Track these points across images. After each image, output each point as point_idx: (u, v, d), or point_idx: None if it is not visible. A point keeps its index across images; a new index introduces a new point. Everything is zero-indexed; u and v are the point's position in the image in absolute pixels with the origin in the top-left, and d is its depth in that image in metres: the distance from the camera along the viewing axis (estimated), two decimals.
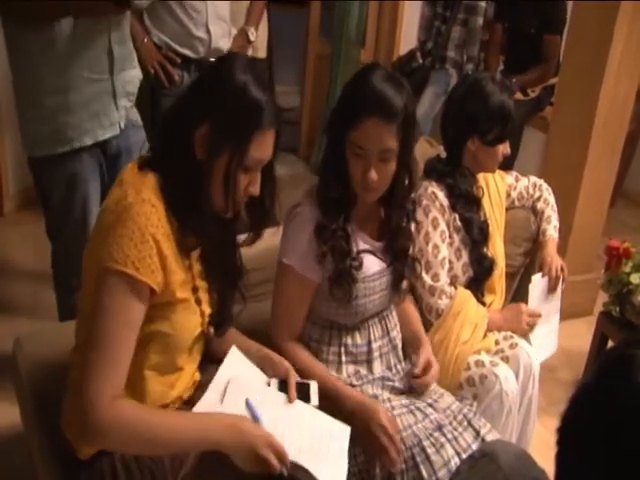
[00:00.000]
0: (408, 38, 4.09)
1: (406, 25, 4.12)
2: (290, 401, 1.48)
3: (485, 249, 2.09)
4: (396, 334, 1.82)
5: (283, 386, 1.51)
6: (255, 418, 1.37)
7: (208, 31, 2.61)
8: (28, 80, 1.96)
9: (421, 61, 3.82)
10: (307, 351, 1.72)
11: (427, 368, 1.74)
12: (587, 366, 2.81)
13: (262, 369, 1.55)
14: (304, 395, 1.52)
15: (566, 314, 3.18)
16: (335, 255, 1.62)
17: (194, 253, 1.41)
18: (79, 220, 2.10)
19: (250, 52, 2.97)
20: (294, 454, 1.34)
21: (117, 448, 1.34)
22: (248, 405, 1.40)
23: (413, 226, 1.99)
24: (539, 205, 2.37)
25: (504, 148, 2.07)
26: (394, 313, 1.83)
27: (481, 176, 2.16)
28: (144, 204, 1.27)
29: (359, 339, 1.74)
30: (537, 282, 2.16)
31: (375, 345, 1.76)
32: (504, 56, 4.09)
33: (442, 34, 3.85)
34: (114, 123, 2.08)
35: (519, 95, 3.74)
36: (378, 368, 1.76)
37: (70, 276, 2.14)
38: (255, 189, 1.39)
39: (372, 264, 1.69)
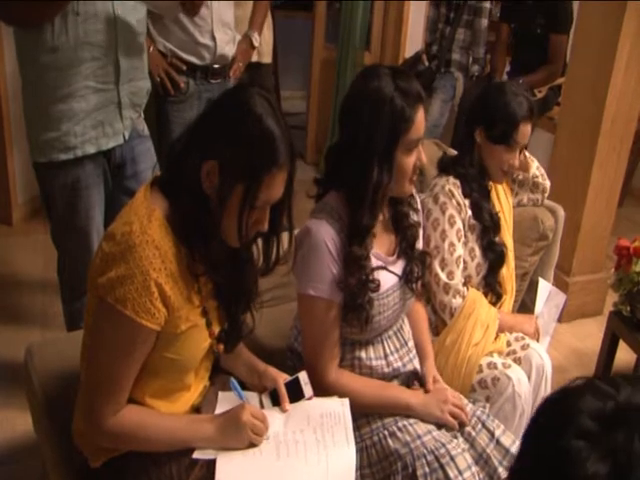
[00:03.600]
0: (413, 41, 4.09)
1: (411, 28, 4.12)
2: (284, 410, 1.50)
3: (495, 238, 2.08)
4: (412, 344, 1.80)
5: (275, 396, 1.53)
6: (240, 397, 1.49)
7: (213, 38, 2.60)
8: (34, 86, 1.97)
9: (427, 64, 3.80)
10: (354, 374, 1.68)
11: (435, 382, 1.75)
12: (598, 366, 2.78)
13: (252, 382, 1.58)
14: (297, 391, 1.54)
15: (576, 314, 3.18)
16: (357, 287, 1.58)
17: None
18: (83, 228, 2.09)
19: (255, 57, 2.97)
20: (302, 463, 1.38)
21: (122, 449, 1.41)
22: (232, 386, 1.50)
23: (430, 222, 2.00)
24: None
25: (510, 157, 2.05)
26: (407, 321, 1.82)
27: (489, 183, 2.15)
28: (147, 246, 1.25)
29: (373, 353, 1.70)
30: (544, 286, 2.14)
31: (392, 358, 1.73)
32: (510, 57, 4.08)
33: (447, 36, 3.84)
34: (118, 133, 2.07)
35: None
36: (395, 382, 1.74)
37: (75, 283, 2.14)
38: (263, 227, 1.37)
39: (386, 280, 1.66)
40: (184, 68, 2.62)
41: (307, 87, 4.39)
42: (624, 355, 2.77)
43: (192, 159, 1.29)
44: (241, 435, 1.40)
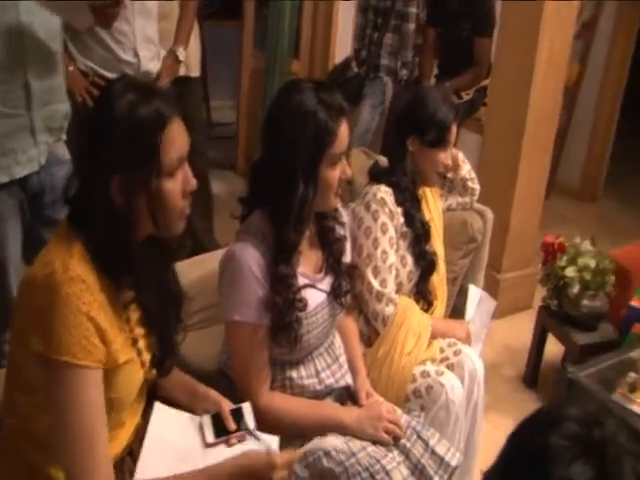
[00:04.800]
0: (343, 48, 4.01)
1: (340, 34, 4.04)
2: (230, 429, 1.44)
3: (427, 246, 2.05)
4: (344, 359, 1.75)
5: (217, 419, 1.46)
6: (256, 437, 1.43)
7: (136, 54, 2.47)
8: None
9: (356, 70, 3.74)
10: (287, 395, 1.61)
11: (368, 397, 1.69)
12: (529, 360, 2.79)
13: (193, 406, 1.49)
14: (238, 421, 1.47)
15: (508, 310, 3.19)
16: (285, 305, 1.51)
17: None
18: None
19: (182, 71, 2.85)
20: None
21: None
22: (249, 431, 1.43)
23: (362, 230, 1.95)
24: None
25: (445, 158, 2.03)
26: (337, 336, 1.76)
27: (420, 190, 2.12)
28: (73, 282, 1.16)
29: (304, 371, 1.64)
30: (474, 292, 2.11)
31: (324, 375, 1.66)
32: (438, 60, 4.06)
33: (375, 42, 3.77)
34: (32, 160, 1.90)
35: (453, 98, 3.71)
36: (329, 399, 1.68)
37: None
38: (191, 182, 1.28)
39: (313, 298, 1.60)
40: None
41: (237, 97, 4.27)
42: (553, 348, 2.79)
43: (95, 181, 1.20)
44: None
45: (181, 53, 2.69)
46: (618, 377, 2.14)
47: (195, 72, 3.02)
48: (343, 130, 1.52)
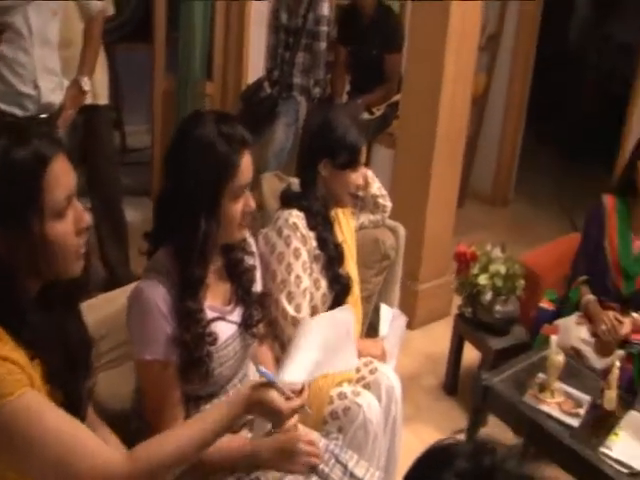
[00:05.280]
0: (256, 68, 3.99)
1: (253, 55, 4.02)
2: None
3: (341, 269, 2.05)
4: None
5: None
6: (271, 381, 1.35)
7: (37, 86, 2.37)
8: None
9: (269, 90, 3.73)
10: None
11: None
12: (448, 368, 2.84)
13: None
14: None
15: (426, 319, 3.24)
16: (194, 341, 1.47)
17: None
18: None
19: (90, 100, 2.77)
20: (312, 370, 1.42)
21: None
22: (262, 373, 1.37)
23: (274, 256, 1.92)
24: None
25: (356, 178, 2.03)
26: (251, 366, 1.73)
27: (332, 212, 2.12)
28: None
29: None
30: (386, 310, 2.12)
31: None
32: (350, 77, 4.09)
33: (287, 61, 3.78)
34: None
35: (365, 114, 3.76)
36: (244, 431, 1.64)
37: None
38: (85, 220, 1.21)
39: (223, 331, 1.56)
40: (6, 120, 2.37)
41: (150, 121, 4.19)
42: (472, 354, 2.84)
43: None
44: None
45: (86, 83, 2.61)
46: (529, 379, 2.20)
47: (103, 100, 2.93)
48: (245, 162, 1.49)
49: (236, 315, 1.62)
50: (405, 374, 2.80)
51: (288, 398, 1.34)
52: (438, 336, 3.09)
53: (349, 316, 1.61)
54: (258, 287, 1.71)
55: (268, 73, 3.86)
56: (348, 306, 1.65)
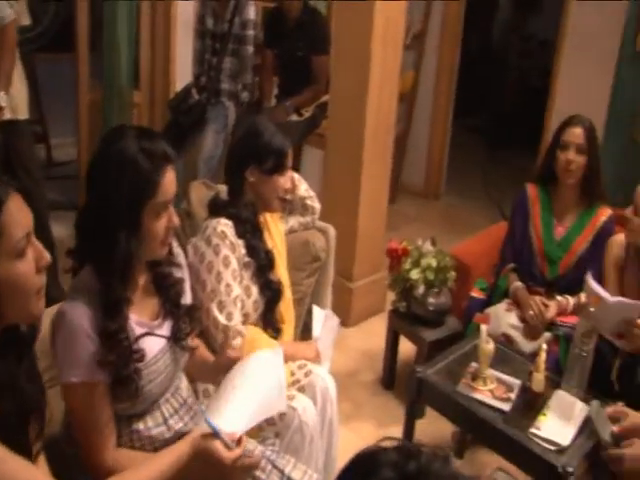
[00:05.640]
0: (184, 74, 3.93)
1: (180, 61, 3.95)
2: None
3: (272, 275, 2.04)
4: (192, 400, 1.69)
5: None
6: (216, 432, 1.41)
7: None
8: None
9: (197, 97, 3.68)
10: (134, 452, 1.54)
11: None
12: (385, 363, 2.86)
13: None
14: None
15: (362, 316, 3.26)
16: (119, 361, 1.44)
17: None
18: None
19: (8, 115, 2.67)
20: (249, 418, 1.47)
21: None
22: (209, 424, 1.42)
23: (204, 265, 1.90)
24: None
25: (284, 182, 2.03)
26: (184, 378, 1.70)
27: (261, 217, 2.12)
28: None
29: (151, 421, 1.57)
30: (318, 312, 2.13)
31: (172, 421, 1.60)
32: (278, 80, 4.08)
33: (214, 67, 3.75)
34: None
35: (294, 116, 3.75)
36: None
37: None
38: (45, 257, 1.18)
39: (152, 346, 1.54)
40: None
41: (77, 133, 4.06)
42: (408, 347, 2.88)
43: None
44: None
45: (2, 98, 2.51)
46: (462, 368, 2.24)
47: (23, 114, 2.83)
48: (168, 179, 1.47)
49: (165, 329, 1.59)
50: (342, 372, 2.84)
51: (229, 448, 1.39)
52: (374, 332, 3.12)
53: (279, 359, 1.62)
54: (187, 299, 1.69)
55: (195, 79, 3.82)
56: (279, 349, 1.65)
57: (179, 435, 1.61)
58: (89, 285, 1.46)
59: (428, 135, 4.88)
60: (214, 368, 1.72)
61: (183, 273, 1.70)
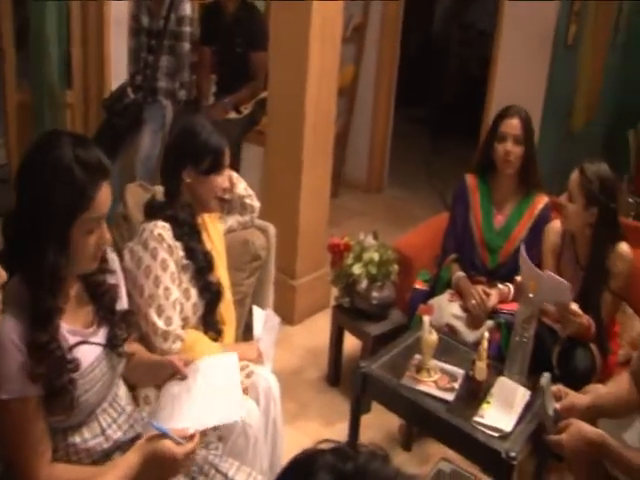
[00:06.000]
0: (120, 73, 3.81)
1: (115, 60, 3.84)
2: None
3: (211, 277, 2.01)
4: (132, 408, 1.64)
5: None
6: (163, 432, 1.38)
7: None
8: None
9: (133, 96, 3.58)
10: (70, 466, 1.48)
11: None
12: (330, 359, 2.86)
13: None
14: None
15: (306, 313, 3.25)
16: (52, 372, 1.38)
17: None
18: None
19: None
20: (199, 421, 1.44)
21: None
22: (155, 427, 1.39)
23: (142, 270, 1.85)
24: None
25: (222, 181, 1.99)
26: (122, 386, 1.65)
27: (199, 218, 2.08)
28: None
29: (88, 433, 1.52)
30: (259, 312, 2.10)
31: (110, 431, 1.55)
32: (216, 77, 4.01)
33: (150, 65, 3.66)
34: None
35: (233, 114, 3.70)
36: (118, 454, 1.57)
37: None
38: (2, 274, 1.18)
39: (87, 355, 1.48)
40: None
41: (5, 135, 3.89)
42: (351, 344, 2.88)
43: None
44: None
45: None
46: (406, 361, 2.25)
47: None
48: (103, 194, 1.40)
49: (100, 336, 1.54)
50: (287, 370, 2.83)
51: (179, 444, 1.36)
52: (318, 329, 3.11)
53: (235, 365, 1.60)
54: (123, 304, 1.64)
55: (131, 78, 3.72)
56: (234, 354, 1.63)
57: (118, 445, 1.56)
58: (18, 295, 1.39)
59: (370, 128, 4.89)
60: (157, 370, 1.67)
61: (117, 279, 1.65)
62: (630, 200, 4.63)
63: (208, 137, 1.97)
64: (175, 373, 1.60)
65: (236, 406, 1.50)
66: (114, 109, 3.51)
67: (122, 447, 1.58)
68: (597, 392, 1.96)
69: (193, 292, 1.97)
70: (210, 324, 2.00)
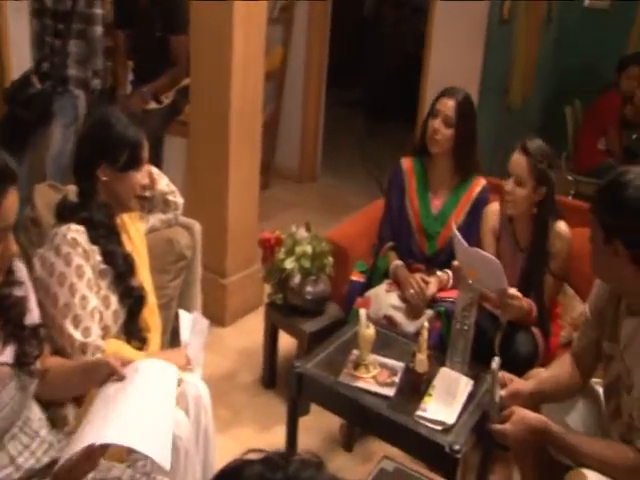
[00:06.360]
0: (22, 59, 3.66)
1: (16, 45, 3.67)
2: None
3: (132, 281, 1.98)
4: (46, 432, 1.61)
5: None
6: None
7: None
8: None
9: (39, 85, 3.46)
10: None
11: None
12: (264, 360, 2.85)
13: None
14: None
15: (239, 313, 3.25)
16: None
17: None
18: None
19: None
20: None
21: None
22: None
23: (55, 277, 1.81)
24: None
25: (141, 178, 1.97)
26: (34, 408, 1.61)
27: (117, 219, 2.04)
28: None
29: None
30: (185, 316, 2.09)
31: (22, 459, 1.52)
32: (133, 64, 3.92)
33: (58, 51, 3.52)
34: None
35: (153, 104, 3.63)
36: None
37: None
38: None
39: None
40: None
41: None
42: (287, 343, 2.89)
43: None
44: None
45: None
46: (344, 357, 2.26)
47: None
48: (9, 201, 1.36)
49: (7, 355, 1.50)
50: (219, 375, 2.83)
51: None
52: (252, 329, 3.11)
53: (173, 380, 1.56)
54: (34, 317, 1.61)
55: (37, 65, 3.56)
56: (174, 367, 1.59)
57: (30, 474, 1.53)
58: None
59: (301, 114, 4.90)
60: (91, 372, 1.59)
61: (26, 290, 1.61)
62: (569, 178, 4.81)
63: (124, 130, 1.93)
64: (112, 374, 1.56)
65: (161, 448, 1.39)
66: (17, 100, 3.38)
67: (37, 476, 1.55)
68: (539, 377, 2.04)
69: (113, 299, 1.94)
70: (133, 332, 1.97)
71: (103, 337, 1.89)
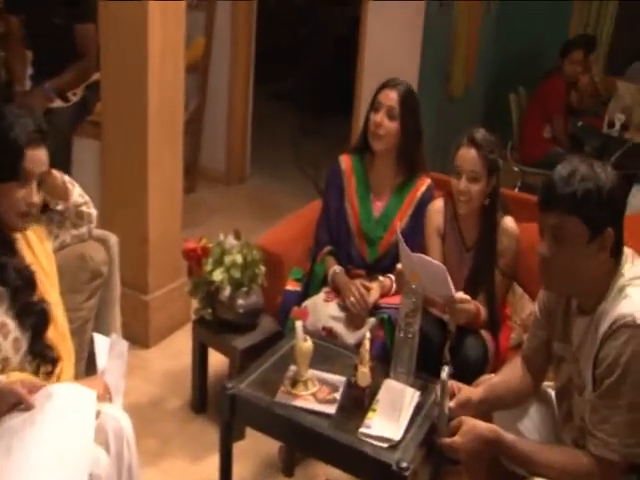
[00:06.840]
0: None
1: None
2: None
3: (31, 297, 1.90)
4: None
5: None
6: None
7: None
8: None
9: None
10: None
11: None
12: (193, 382, 2.82)
13: None
14: None
15: (164, 332, 3.20)
16: None
17: None
18: None
19: None
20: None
21: None
22: None
23: None
24: None
25: (27, 193, 1.85)
26: None
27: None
28: None
29: None
30: (101, 340, 2.04)
31: None
32: (32, 56, 3.79)
33: None
34: None
35: (58, 102, 3.53)
36: None
37: None
38: None
39: None
40: None
41: None
42: (218, 361, 2.85)
43: None
44: None
45: None
46: (280, 374, 2.24)
47: None
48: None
49: None
50: (144, 402, 2.80)
51: None
52: (179, 349, 3.08)
53: (91, 406, 1.53)
54: None
55: None
56: (93, 391, 1.55)
57: None
58: None
59: (226, 109, 4.88)
60: None
61: None
62: (515, 169, 4.94)
63: (5, 131, 1.81)
64: (18, 403, 1.49)
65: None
66: None
67: None
68: (489, 383, 2.07)
69: (11, 325, 1.86)
70: (40, 354, 1.91)
71: (2, 370, 1.82)
